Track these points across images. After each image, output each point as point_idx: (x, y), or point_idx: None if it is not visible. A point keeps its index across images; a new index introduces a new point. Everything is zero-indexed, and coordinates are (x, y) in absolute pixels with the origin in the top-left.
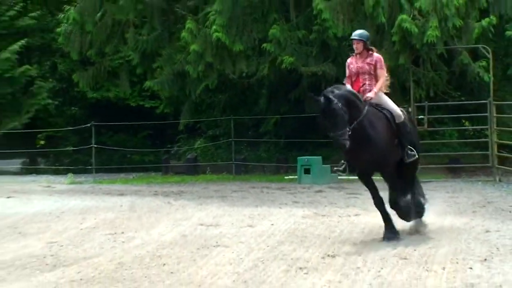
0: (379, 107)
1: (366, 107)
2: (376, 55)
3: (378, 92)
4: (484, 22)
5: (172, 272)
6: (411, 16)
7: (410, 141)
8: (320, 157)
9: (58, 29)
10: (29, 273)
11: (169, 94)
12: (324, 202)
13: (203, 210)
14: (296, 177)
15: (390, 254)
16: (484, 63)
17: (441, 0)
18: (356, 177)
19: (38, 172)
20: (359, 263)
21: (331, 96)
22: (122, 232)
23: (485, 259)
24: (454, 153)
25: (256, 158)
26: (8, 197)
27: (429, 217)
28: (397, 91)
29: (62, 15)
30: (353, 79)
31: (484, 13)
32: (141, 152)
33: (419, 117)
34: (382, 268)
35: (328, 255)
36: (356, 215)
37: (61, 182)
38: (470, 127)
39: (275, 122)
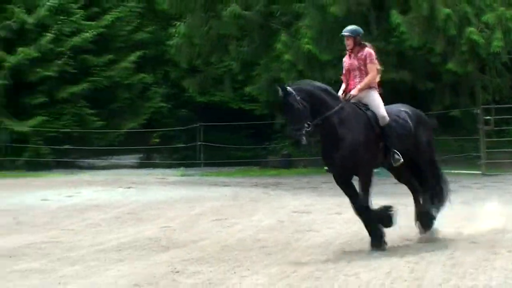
0: (364, 106)
1: (340, 104)
2: (366, 49)
3: (363, 88)
4: None
5: (269, 254)
6: (478, 29)
7: (400, 145)
8: None
9: (170, 42)
10: (146, 254)
11: (266, 98)
12: (403, 193)
13: (296, 199)
14: (378, 170)
15: (461, 239)
16: None
17: (505, 15)
18: None
19: (153, 166)
20: (434, 246)
21: (289, 89)
22: (226, 218)
23: None
24: None
25: None
26: (128, 188)
27: (496, 207)
28: (466, 95)
29: (173, 30)
30: (347, 77)
31: None
32: (242, 149)
33: (487, 117)
34: (454, 251)
35: (406, 239)
36: None
37: (173, 175)
38: None
39: None
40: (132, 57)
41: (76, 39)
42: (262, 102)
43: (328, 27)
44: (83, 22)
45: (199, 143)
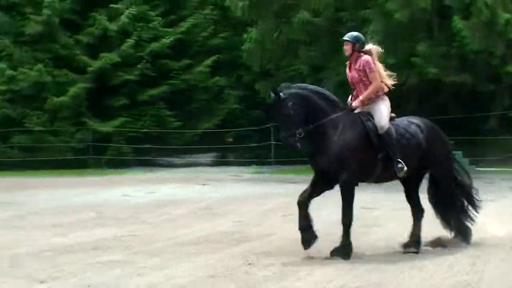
0: (366, 116)
1: (339, 112)
2: (363, 58)
3: (365, 99)
4: None
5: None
6: None
7: (404, 157)
8: (460, 152)
9: (243, 47)
10: (221, 247)
11: None
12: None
13: (363, 195)
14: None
15: None
16: None
17: None
18: (494, 169)
19: (227, 164)
20: (495, 241)
21: (281, 94)
22: (295, 214)
23: None
24: None
25: None
26: (203, 185)
27: None
28: None
29: (246, 36)
30: (355, 89)
31: None
32: None
33: None
34: None
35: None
36: (491, 200)
37: (246, 173)
38: None
39: None
40: (208, 61)
41: (155, 45)
42: None
43: (393, 32)
44: (161, 28)
45: (270, 142)
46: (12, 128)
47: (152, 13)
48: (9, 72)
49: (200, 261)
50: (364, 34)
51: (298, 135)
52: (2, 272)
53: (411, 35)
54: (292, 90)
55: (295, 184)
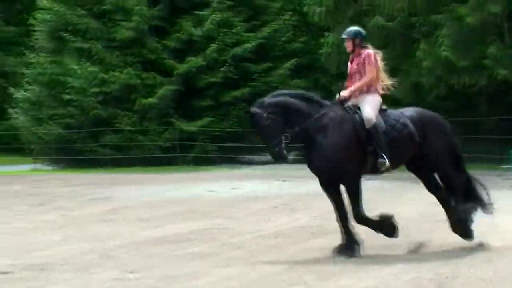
0: (353, 109)
1: (323, 110)
2: (366, 51)
3: (356, 90)
4: None
5: (412, 240)
6: None
7: (393, 149)
8: None
9: (320, 51)
10: (298, 241)
11: (408, 101)
12: None
13: None
14: (510, 166)
15: None
16: None
17: None
18: None
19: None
20: None
21: (253, 109)
22: (372, 209)
23: None
24: None
25: (476, 151)
26: (284, 181)
27: None
28: None
29: (323, 40)
30: (351, 81)
31: None
32: None
33: None
34: None
35: None
36: None
37: None
38: None
39: (493, 123)
40: (287, 64)
41: (237, 49)
42: (403, 104)
43: (464, 35)
44: (244, 33)
45: None
46: (103, 127)
47: (235, 19)
48: (101, 75)
49: (280, 253)
50: (436, 38)
51: (285, 140)
52: (96, 263)
53: (482, 39)
54: (265, 101)
55: (373, 180)
